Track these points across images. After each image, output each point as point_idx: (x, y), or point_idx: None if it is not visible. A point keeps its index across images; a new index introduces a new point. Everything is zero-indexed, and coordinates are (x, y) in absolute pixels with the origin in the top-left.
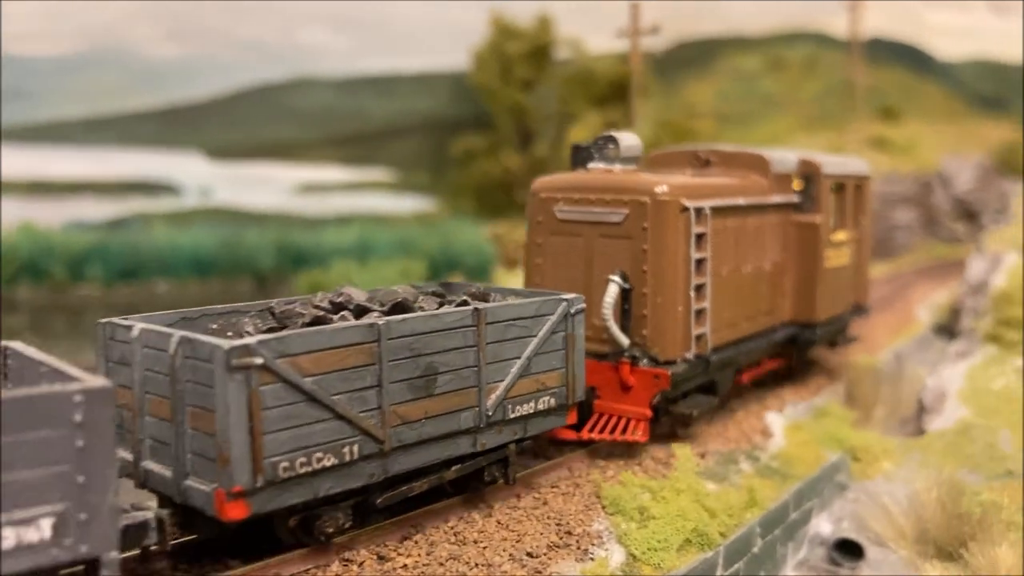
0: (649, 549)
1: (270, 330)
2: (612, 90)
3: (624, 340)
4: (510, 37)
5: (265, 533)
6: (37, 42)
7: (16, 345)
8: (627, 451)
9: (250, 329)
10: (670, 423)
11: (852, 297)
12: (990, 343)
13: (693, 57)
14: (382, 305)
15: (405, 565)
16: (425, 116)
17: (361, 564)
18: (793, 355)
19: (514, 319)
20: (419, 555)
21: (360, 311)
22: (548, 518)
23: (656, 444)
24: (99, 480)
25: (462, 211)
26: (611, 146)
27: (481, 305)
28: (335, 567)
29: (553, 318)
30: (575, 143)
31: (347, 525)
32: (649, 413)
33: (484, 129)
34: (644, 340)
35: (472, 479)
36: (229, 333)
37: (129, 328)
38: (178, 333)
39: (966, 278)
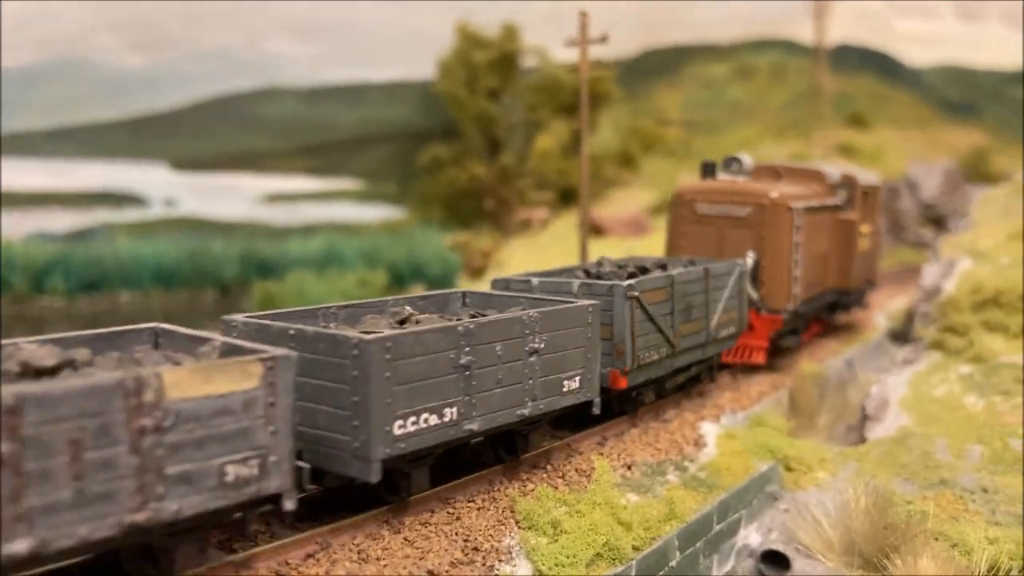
0: (556, 565)
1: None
2: (578, 98)
3: (755, 295)
4: (476, 46)
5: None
6: None
7: (474, 289)
8: (550, 461)
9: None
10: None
11: (868, 274)
12: (935, 350)
13: (661, 65)
14: (651, 267)
15: None
16: (393, 125)
17: None
18: (828, 322)
19: (719, 275)
20: (318, 572)
21: (643, 270)
22: (457, 534)
23: (580, 456)
24: (596, 356)
25: (430, 220)
26: (735, 164)
27: (708, 265)
28: None
29: (734, 276)
30: (705, 160)
31: (652, 400)
32: (767, 344)
33: (452, 138)
34: (762, 296)
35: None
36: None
37: (527, 281)
38: (576, 280)
39: (921, 284)
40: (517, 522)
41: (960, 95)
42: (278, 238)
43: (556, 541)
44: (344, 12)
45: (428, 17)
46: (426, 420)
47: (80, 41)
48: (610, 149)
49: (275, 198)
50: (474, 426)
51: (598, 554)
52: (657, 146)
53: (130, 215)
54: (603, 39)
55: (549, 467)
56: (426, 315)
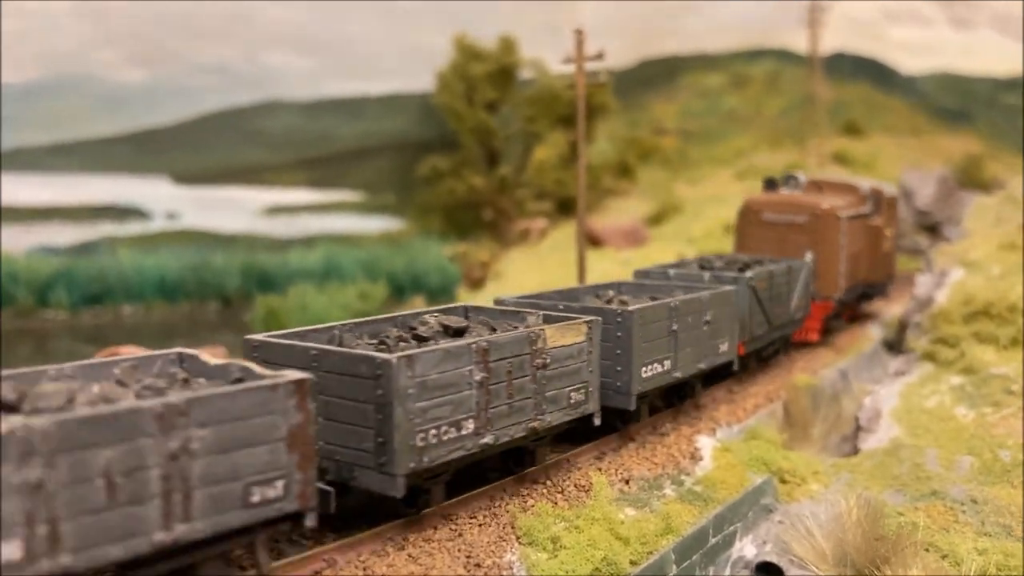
0: None
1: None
2: (576, 110)
3: (811, 285)
4: (474, 58)
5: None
6: None
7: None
8: (550, 477)
9: (707, 275)
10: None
11: (889, 270)
12: (927, 361)
13: (656, 75)
14: (748, 264)
15: None
16: (392, 137)
17: None
18: (856, 308)
19: (796, 270)
20: None
21: (745, 267)
22: (459, 550)
23: (578, 472)
24: (736, 328)
25: (429, 231)
26: (793, 181)
27: (790, 264)
28: None
29: (804, 270)
30: (767, 177)
31: (755, 364)
32: (820, 326)
33: (450, 149)
34: (817, 286)
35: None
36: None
37: (666, 272)
38: (707, 273)
39: (914, 294)
40: (518, 538)
41: (954, 102)
42: (279, 250)
43: (555, 556)
44: (342, 26)
45: (426, 31)
46: (655, 368)
47: (80, 56)
48: (607, 159)
49: (276, 210)
50: (678, 374)
51: (596, 569)
52: (653, 156)
53: (132, 228)
54: (599, 55)
55: (549, 482)
56: (628, 296)
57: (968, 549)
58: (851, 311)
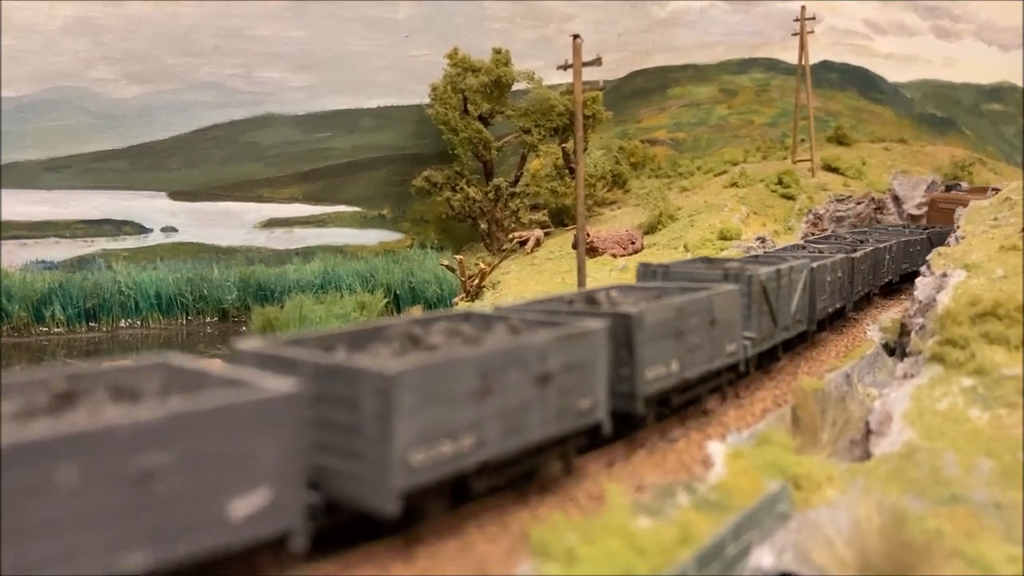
0: None
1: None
2: (569, 120)
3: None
4: (468, 71)
5: None
6: None
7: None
8: (560, 489)
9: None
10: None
11: None
12: (936, 363)
13: (646, 88)
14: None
15: None
16: (388, 149)
17: None
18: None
19: (932, 232)
20: None
21: (928, 228)
22: (470, 563)
23: (589, 480)
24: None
25: (426, 242)
26: (958, 187)
27: (919, 233)
28: None
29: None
30: (946, 182)
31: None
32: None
33: (445, 160)
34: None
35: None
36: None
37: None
38: (907, 228)
39: (915, 296)
40: (531, 550)
41: (939, 110)
42: (276, 263)
43: (572, 569)
44: (337, 43)
45: (419, 46)
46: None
47: (77, 73)
48: (602, 169)
49: (272, 224)
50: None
51: None
52: (645, 164)
53: (128, 243)
54: (597, 61)
55: (560, 492)
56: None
57: (997, 556)
58: None
